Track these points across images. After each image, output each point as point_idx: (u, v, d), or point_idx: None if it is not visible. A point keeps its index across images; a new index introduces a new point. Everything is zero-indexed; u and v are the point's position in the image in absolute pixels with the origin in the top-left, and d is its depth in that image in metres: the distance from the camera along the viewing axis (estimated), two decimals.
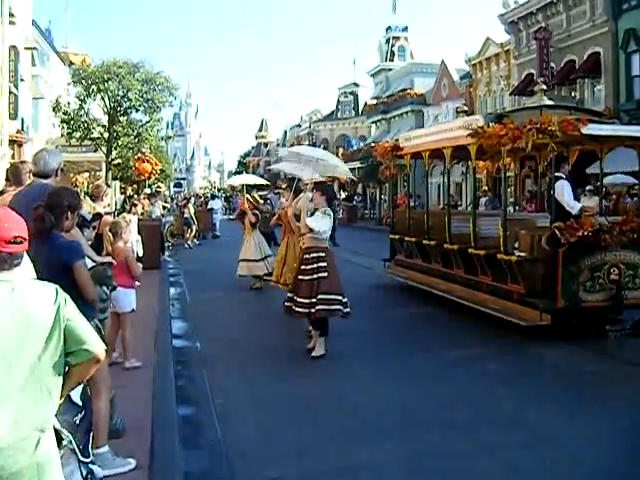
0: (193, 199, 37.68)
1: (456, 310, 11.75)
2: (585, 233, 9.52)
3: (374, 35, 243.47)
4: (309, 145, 68.86)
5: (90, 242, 6.76)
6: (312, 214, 9.09)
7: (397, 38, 62.49)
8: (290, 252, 11.23)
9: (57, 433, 2.90)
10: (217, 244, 28.75)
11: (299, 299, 8.76)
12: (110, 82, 26.40)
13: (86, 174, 32.64)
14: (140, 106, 26.77)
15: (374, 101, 58.64)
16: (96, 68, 27.37)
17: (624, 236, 9.86)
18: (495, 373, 8.23)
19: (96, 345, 2.90)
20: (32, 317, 2.68)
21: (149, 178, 29.63)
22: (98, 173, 29.24)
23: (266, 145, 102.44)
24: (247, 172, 72.62)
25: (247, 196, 16.33)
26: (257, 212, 15.77)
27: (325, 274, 8.70)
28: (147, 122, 27.90)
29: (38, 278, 3.53)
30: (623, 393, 7.44)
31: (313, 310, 8.64)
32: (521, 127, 9.73)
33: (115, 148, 28.52)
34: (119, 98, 27.12)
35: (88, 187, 28.91)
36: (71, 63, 41.17)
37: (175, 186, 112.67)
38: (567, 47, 30.95)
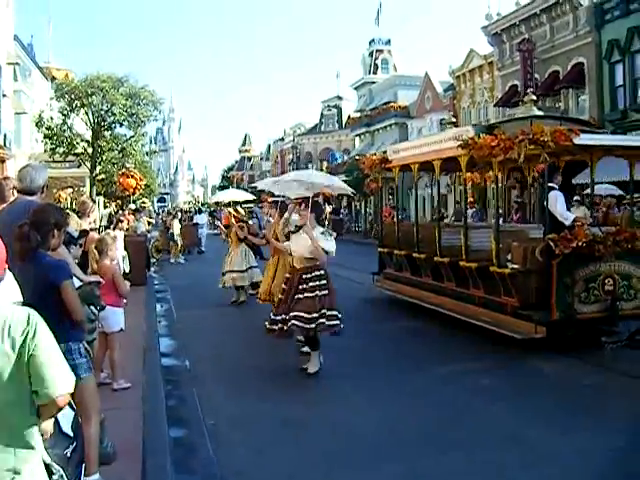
0: (180, 214, 37.30)
1: (447, 324, 11.62)
2: (579, 244, 9.43)
3: (357, 48, 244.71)
4: (293, 158, 69.17)
5: (77, 260, 6.58)
6: (297, 230, 8.94)
7: (380, 51, 62.80)
8: (280, 272, 10.91)
9: (47, 467, 2.71)
10: (203, 259, 28.48)
11: (297, 314, 8.37)
12: (94, 96, 26.17)
13: (69, 190, 32.36)
14: (124, 120, 26.52)
15: (358, 114, 58.79)
16: (79, 82, 27.13)
17: (618, 246, 9.79)
18: (489, 388, 8.07)
19: (58, 388, 2.62)
20: None
21: (134, 193, 29.40)
22: (82, 189, 28.98)
23: (250, 159, 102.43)
24: (231, 186, 72.36)
25: (230, 209, 16.13)
26: (243, 224, 15.55)
27: (326, 292, 8.53)
28: (132, 137, 27.66)
29: (24, 299, 3.36)
30: (621, 407, 7.30)
31: (314, 325, 8.39)
32: (513, 138, 9.64)
33: (99, 163, 28.26)
34: (103, 113, 26.89)
35: (72, 203, 28.62)
36: (53, 78, 40.92)
37: (159, 201, 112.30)
38: (551, 58, 31.12)
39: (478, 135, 10.42)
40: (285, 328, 8.51)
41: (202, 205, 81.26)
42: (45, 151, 29.51)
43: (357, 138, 59.65)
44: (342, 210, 52.09)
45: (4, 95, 30.10)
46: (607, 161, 11.85)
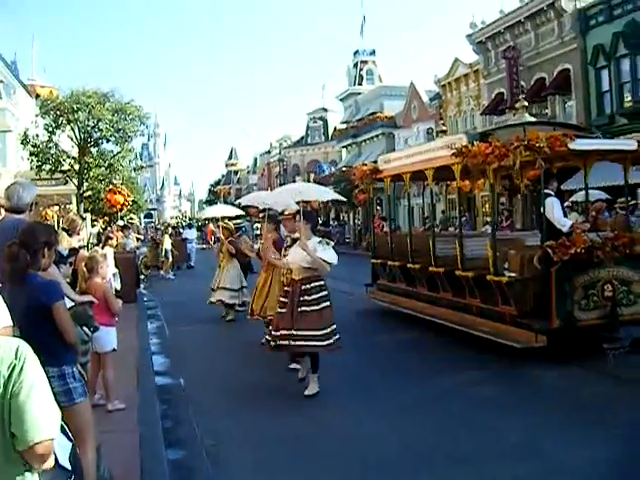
0: (170, 229, 37.06)
1: (443, 334, 11.48)
2: (577, 250, 9.31)
3: (342, 60, 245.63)
4: (280, 171, 69.07)
5: (67, 279, 6.39)
6: (292, 244, 8.77)
7: (365, 62, 62.83)
8: (274, 288, 10.65)
9: None
10: (192, 274, 28.29)
11: (306, 333, 8.08)
12: (80, 112, 25.86)
13: (56, 207, 32.05)
14: (111, 136, 26.24)
15: (344, 125, 58.76)
16: (65, 98, 26.82)
17: (616, 252, 9.68)
18: (493, 399, 7.91)
19: (38, 433, 2.32)
20: None
21: (121, 210, 29.15)
22: (68, 206, 28.66)
23: (236, 173, 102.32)
24: (218, 201, 72.16)
25: (221, 224, 15.92)
26: (233, 240, 15.32)
27: (328, 303, 8.31)
28: (118, 152, 27.39)
29: (14, 323, 3.17)
30: (628, 414, 7.16)
31: (325, 343, 8.12)
32: (507, 145, 9.52)
33: (86, 180, 27.95)
34: (89, 129, 26.58)
35: (59, 221, 28.33)
36: (38, 95, 40.67)
37: (146, 217, 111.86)
38: (536, 65, 31.19)
39: (472, 143, 10.29)
40: (292, 343, 8.18)
41: (190, 220, 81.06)
42: (31, 169, 29.16)
43: (344, 149, 59.55)
44: (332, 222, 51.99)
45: None
46: (594, 166, 11.79)
